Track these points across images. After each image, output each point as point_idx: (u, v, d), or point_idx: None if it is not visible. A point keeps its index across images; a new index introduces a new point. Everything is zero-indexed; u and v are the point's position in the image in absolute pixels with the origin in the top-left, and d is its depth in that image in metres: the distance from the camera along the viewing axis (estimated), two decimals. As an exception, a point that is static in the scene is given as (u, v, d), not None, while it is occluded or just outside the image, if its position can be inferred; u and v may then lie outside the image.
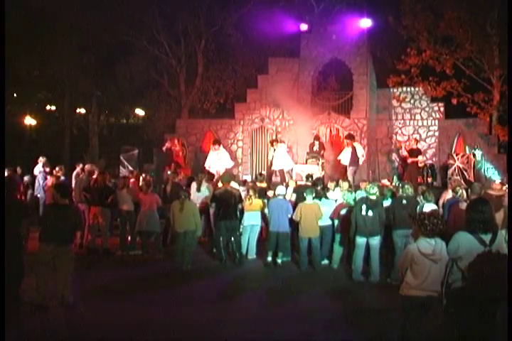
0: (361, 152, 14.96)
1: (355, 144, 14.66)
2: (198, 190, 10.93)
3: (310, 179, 11.12)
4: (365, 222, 8.39)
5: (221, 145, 15.67)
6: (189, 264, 9.14)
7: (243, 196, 10.15)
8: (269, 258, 9.61)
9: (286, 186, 11.28)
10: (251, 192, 10.02)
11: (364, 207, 8.43)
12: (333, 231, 9.57)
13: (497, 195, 8.97)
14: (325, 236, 9.54)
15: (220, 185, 11.81)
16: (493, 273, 4.35)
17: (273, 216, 9.52)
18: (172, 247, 10.07)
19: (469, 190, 9.02)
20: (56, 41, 19.53)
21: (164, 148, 16.32)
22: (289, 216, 9.54)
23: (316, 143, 15.26)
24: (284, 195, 9.95)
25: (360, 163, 14.75)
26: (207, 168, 14.88)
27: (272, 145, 15.40)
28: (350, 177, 13.78)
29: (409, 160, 14.43)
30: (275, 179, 14.87)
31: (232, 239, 9.58)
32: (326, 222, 9.50)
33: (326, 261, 9.58)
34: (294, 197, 10.52)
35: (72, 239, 7.32)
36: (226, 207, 9.49)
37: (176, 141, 16.76)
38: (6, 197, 6.79)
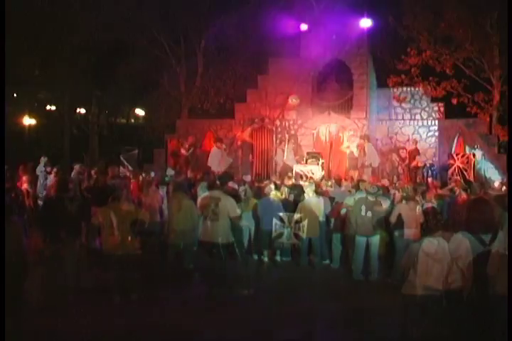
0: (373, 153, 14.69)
1: (368, 145, 14.53)
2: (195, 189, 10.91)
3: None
4: (365, 223, 8.40)
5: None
6: (191, 263, 9.12)
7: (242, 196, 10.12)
8: (266, 258, 9.59)
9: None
10: (249, 193, 9.97)
11: (363, 207, 8.44)
12: (329, 227, 9.57)
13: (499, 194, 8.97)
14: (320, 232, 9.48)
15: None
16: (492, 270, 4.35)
17: (265, 215, 9.47)
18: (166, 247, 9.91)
19: (469, 190, 9.02)
20: (56, 41, 19.50)
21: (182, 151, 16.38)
22: (280, 214, 9.49)
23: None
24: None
25: (375, 165, 14.57)
26: (213, 168, 14.62)
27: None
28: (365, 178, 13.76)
29: (413, 164, 14.47)
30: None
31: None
32: (321, 217, 9.46)
33: (327, 261, 9.57)
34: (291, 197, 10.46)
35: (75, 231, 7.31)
36: None
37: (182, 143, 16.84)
38: None
